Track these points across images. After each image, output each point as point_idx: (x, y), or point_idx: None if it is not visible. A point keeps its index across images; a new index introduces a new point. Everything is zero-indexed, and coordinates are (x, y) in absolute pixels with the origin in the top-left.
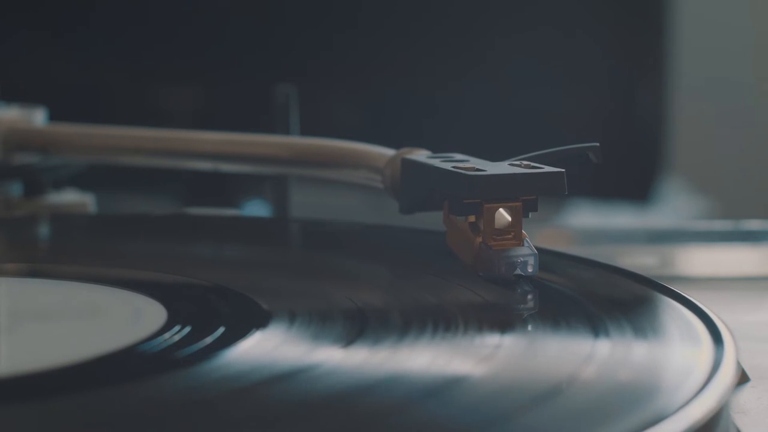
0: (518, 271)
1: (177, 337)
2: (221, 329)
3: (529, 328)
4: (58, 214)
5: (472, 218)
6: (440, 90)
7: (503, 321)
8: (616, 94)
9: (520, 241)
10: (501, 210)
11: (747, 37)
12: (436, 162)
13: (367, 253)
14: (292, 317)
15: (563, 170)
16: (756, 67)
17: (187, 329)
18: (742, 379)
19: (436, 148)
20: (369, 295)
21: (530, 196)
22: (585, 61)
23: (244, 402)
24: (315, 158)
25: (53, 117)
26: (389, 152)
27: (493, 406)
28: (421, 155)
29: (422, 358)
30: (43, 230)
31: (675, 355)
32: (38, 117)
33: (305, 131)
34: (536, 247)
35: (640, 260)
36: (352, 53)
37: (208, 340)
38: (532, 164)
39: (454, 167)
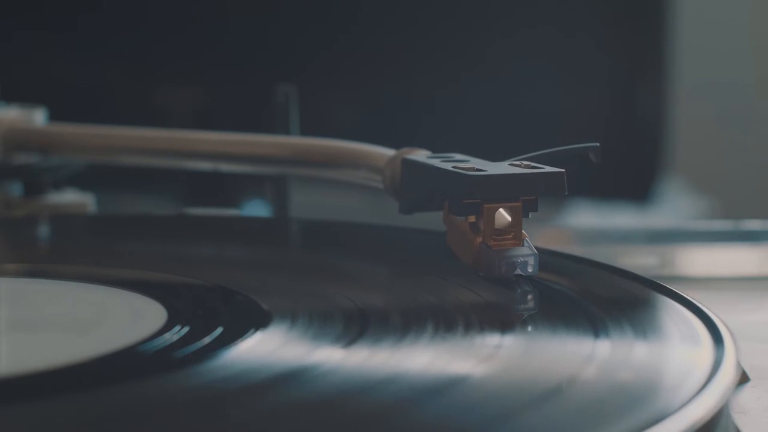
0: (518, 271)
1: (177, 338)
2: (221, 329)
3: (529, 328)
4: (58, 214)
5: (472, 218)
6: (440, 90)
7: (503, 321)
8: (616, 94)
9: (520, 241)
10: (501, 210)
11: (747, 37)
12: (436, 162)
13: (367, 253)
14: (292, 317)
15: (563, 170)
16: (756, 67)
17: (187, 329)
18: (742, 379)
19: (436, 148)
20: (369, 295)
21: (530, 197)
22: (585, 61)
23: (244, 402)
24: (315, 158)
25: (53, 117)
26: (389, 152)
27: (494, 406)
28: (421, 155)
29: (422, 359)
30: (43, 230)
31: (675, 356)
32: (38, 117)
33: (305, 131)
34: (536, 247)
35: (640, 260)
36: (352, 53)
37: (208, 340)
38: (532, 164)
39: (454, 167)
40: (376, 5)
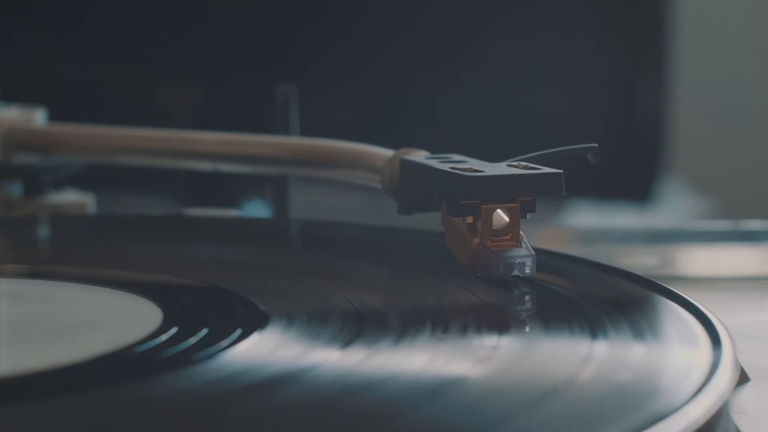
0: (516, 272)
1: (173, 339)
2: (219, 330)
3: (527, 329)
4: (58, 214)
5: (470, 219)
6: (439, 90)
7: (501, 322)
8: (616, 94)
9: (517, 242)
10: (499, 211)
11: (747, 37)
12: (435, 163)
13: (365, 254)
14: (290, 318)
15: (561, 171)
16: (756, 67)
17: (185, 331)
18: (742, 379)
19: (435, 149)
20: (367, 296)
21: (528, 197)
22: (585, 61)
23: (241, 403)
24: (315, 158)
25: (53, 117)
26: (388, 153)
27: (491, 407)
28: (419, 156)
29: (420, 360)
30: (43, 230)
31: (673, 356)
32: (38, 117)
33: (305, 131)
34: (534, 248)
35: (640, 260)
36: (352, 53)
37: (205, 341)
38: (530, 165)
39: (452, 168)
40: (376, 5)
